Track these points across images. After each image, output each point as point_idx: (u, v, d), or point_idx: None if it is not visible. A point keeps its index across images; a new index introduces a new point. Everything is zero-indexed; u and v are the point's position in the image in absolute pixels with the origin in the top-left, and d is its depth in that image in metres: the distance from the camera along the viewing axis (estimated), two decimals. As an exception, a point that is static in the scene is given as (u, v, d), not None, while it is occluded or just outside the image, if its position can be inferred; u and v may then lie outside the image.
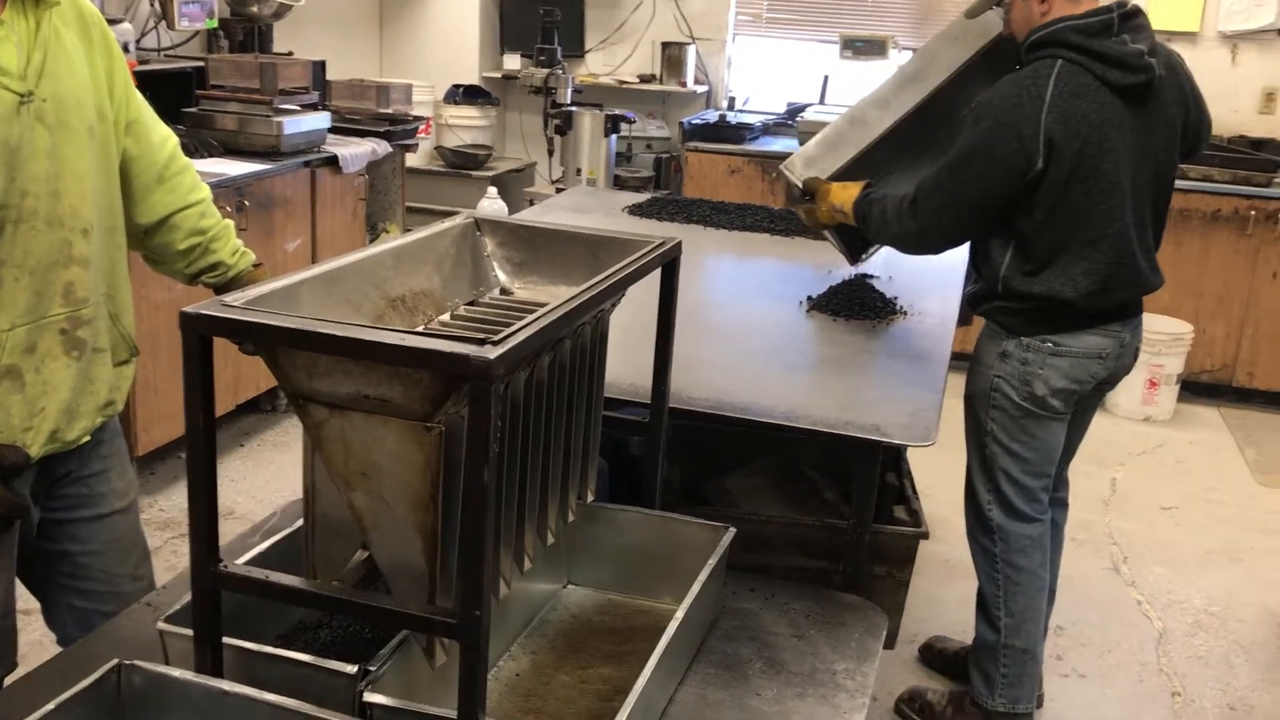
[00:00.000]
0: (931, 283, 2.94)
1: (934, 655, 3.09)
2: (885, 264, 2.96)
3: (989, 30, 2.58)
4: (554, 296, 1.83)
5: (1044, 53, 2.33)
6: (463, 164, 5.98)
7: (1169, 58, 2.42)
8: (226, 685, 1.32)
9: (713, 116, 6.01)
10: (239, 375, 4.08)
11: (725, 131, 5.80)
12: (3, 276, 1.65)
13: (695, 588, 1.66)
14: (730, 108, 6.45)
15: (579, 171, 5.84)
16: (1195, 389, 5.46)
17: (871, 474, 1.95)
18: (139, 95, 1.91)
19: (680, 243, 1.83)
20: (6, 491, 1.69)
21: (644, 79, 6.43)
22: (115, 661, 1.34)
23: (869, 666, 1.76)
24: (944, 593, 3.43)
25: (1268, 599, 3.56)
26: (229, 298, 1.28)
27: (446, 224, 1.80)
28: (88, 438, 1.83)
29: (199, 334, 1.24)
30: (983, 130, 2.29)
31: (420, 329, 1.48)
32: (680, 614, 1.59)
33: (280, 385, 1.31)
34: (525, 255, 1.86)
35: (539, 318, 1.31)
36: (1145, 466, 4.63)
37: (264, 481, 3.88)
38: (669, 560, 1.88)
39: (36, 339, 1.70)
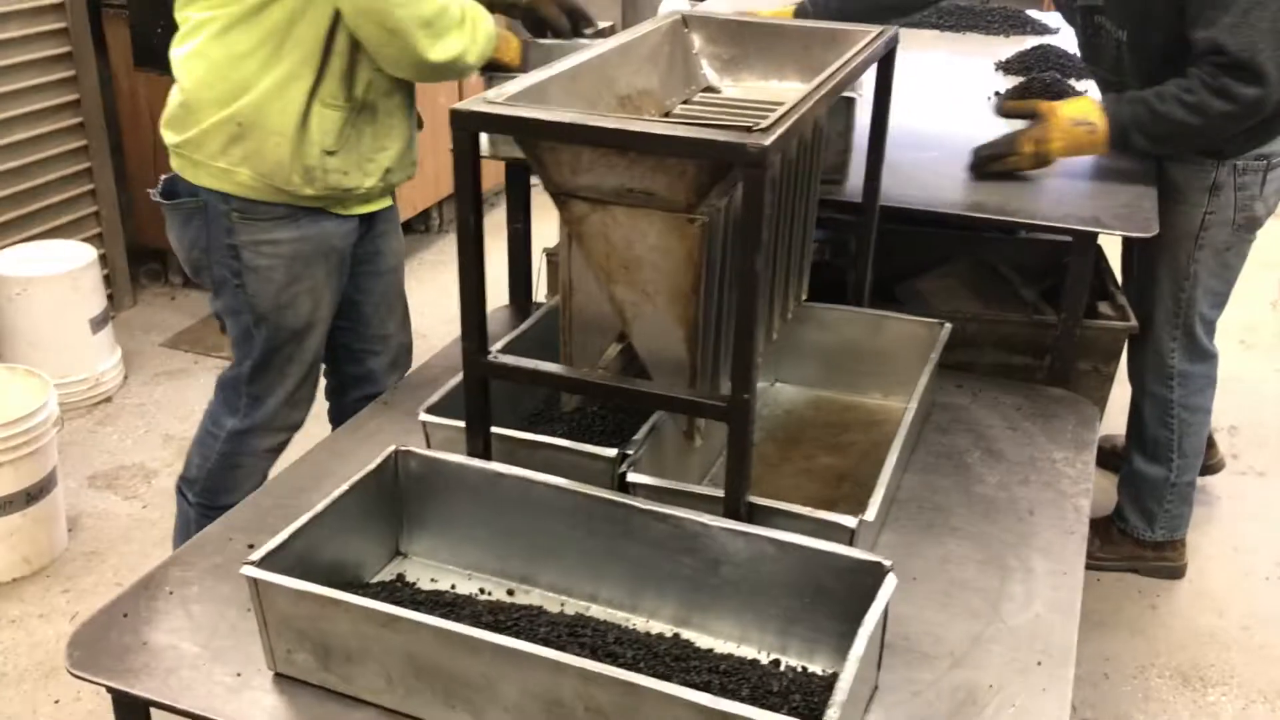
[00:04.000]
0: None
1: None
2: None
3: None
4: (766, 93, 1.82)
5: None
6: None
7: None
8: (501, 468, 1.40)
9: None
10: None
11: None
12: None
13: (923, 380, 1.68)
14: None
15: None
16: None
17: (1086, 268, 1.92)
18: None
19: (898, 32, 1.78)
20: None
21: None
22: (392, 448, 1.43)
23: (1087, 456, 1.78)
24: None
25: None
26: (490, 94, 1.30)
27: (656, 21, 1.77)
28: (389, 200, 2.08)
29: (469, 130, 1.27)
30: None
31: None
32: (913, 405, 1.62)
33: (542, 181, 1.34)
34: (734, 51, 1.84)
35: (796, 106, 1.30)
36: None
37: (431, 299, 3.99)
38: (879, 357, 1.91)
39: (393, 87, 1.93)
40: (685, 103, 1.74)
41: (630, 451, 1.45)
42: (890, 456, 1.47)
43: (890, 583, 1.20)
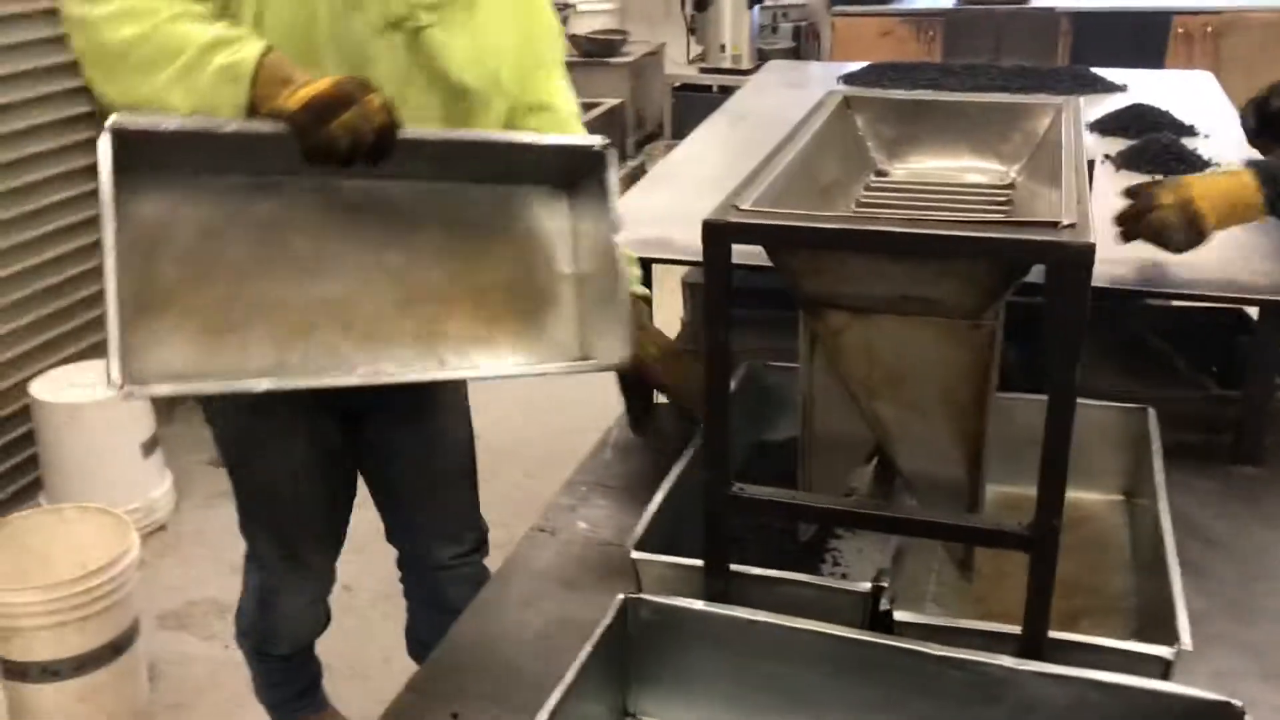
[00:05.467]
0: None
1: None
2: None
3: None
4: (939, 174, 1.70)
5: None
6: (599, 52, 5.76)
7: None
8: (751, 613, 1.24)
9: (857, -23, 5.72)
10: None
11: (873, -9, 5.52)
12: None
13: (1158, 473, 1.54)
14: (865, -33, 6.13)
15: (722, 48, 5.62)
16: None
17: (1275, 333, 1.80)
18: None
19: (1080, 100, 1.67)
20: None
21: (772, -55, 6.12)
22: (621, 598, 1.27)
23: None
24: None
25: None
26: (740, 202, 1.16)
27: (824, 108, 1.66)
28: None
29: (724, 242, 1.13)
30: None
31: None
32: (1163, 504, 1.47)
33: (791, 292, 1.20)
34: (899, 131, 1.72)
35: (1080, 192, 1.17)
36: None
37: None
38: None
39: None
40: (868, 189, 1.61)
41: (884, 584, 1.29)
42: (1172, 568, 1.32)
43: (1250, 729, 1.05)
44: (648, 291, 1.75)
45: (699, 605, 1.26)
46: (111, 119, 1.22)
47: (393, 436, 1.83)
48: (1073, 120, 1.52)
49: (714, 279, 1.14)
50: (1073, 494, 1.76)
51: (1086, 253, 1.02)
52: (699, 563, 1.29)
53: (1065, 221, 1.07)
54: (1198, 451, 1.96)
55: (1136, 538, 1.62)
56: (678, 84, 5.80)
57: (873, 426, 1.23)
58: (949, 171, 1.69)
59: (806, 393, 1.27)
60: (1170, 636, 1.20)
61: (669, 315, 2.14)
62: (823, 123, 1.55)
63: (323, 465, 1.76)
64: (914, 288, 1.13)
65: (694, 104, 5.83)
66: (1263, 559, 1.61)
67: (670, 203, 2.19)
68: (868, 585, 1.28)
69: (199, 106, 1.30)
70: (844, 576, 1.44)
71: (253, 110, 1.31)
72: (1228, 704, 1.08)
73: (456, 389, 1.90)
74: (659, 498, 1.46)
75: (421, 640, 2.04)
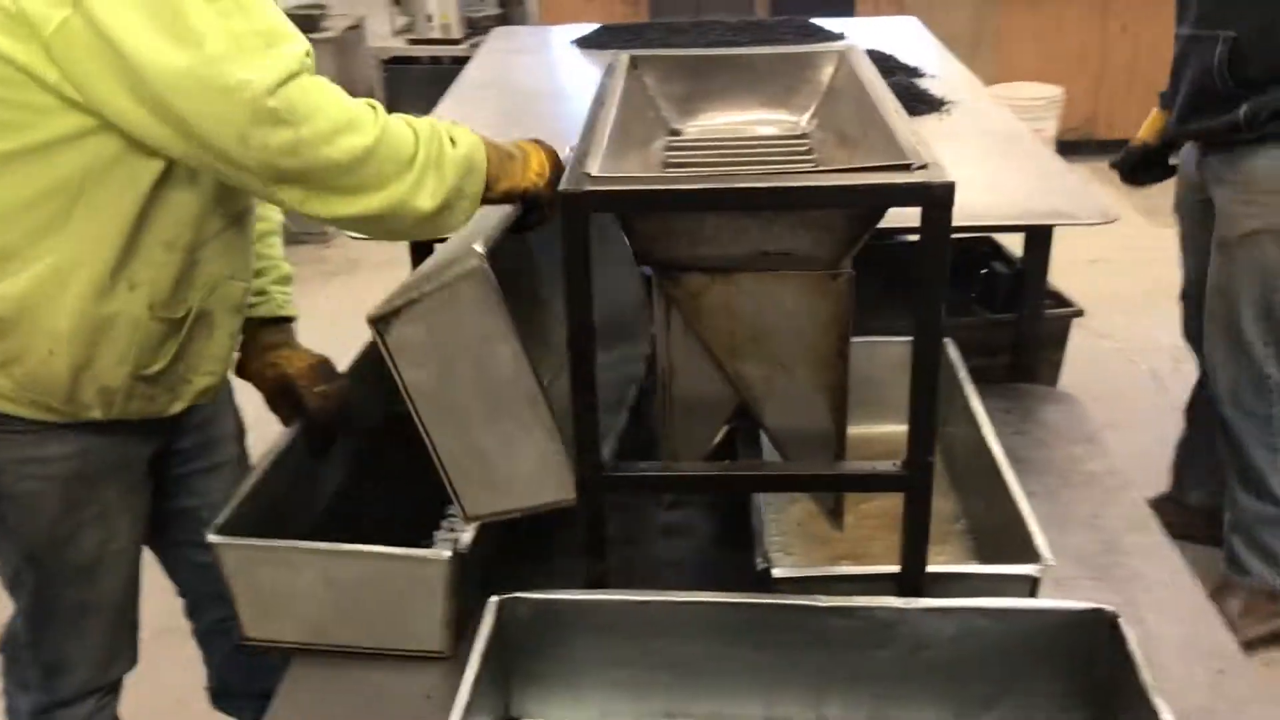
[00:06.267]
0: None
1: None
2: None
3: None
4: (729, 129, 1.69)
5: None
6: (302, 28, 5.42)
7: None
8: (640, 594, 1.19)
9: (558, -60, 5.68)
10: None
11: (576, -46, 5.50)
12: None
13: (973, 402, 1.61)
14: (562, -71, 6.10)
15: (429, 19, 5.45)
16: (1063, 148, 5.71)
17: (1043, 259, 1.93)
18: None
19: (860, 47, 1.70)
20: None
21: (467, -91, 5.97)
22: (496, 600, 1.19)
23: (1099, 445, 1.78)
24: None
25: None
26: (588, 170, 1.10)
27: (616, 70, 1.61)
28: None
29: (584, 212, 1.06)
30: None
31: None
32: (988, 431, 1.54)
33: (642, 259, 1.16)
34: (688, 88, 1.70)
35: (911, 133, 1.18)
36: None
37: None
38: (869, 384, 1.82)
39: (230, 291, 1.48)
40: (669, 149, 1.58)
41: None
42: (1015, 489, 1.38)
43: (1131, 634, 1.11)
44: (295, 312, 1.69)
45: (585, 595, 1.20)
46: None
47: (215, 434, 1.70)
48: (864, 66, 1.55)
49: (574, 251, 1.07)
50: (881, 428, 1.83)
51: (948, 190, 1.03)
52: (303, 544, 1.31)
53: (917, 163, 1.07)
54: (979, 374, 2.08)
55: (951, 463, 1.68)
56: (386, 57, 5.59)
57: (736, 386, 1.20)
58: (741, 125, 1.68)
59: (664, 360, 1.23)
60: (1030, 555, 1.26)
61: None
62: (623, 86, 1.51)
63: (143, 529, 1.58)
64: (772, 243, 1.11)
65: (405, 77, 5.64)
66: (1063, 469, 1.72)
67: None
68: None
69: (443, 203, 1.24)
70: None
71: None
72: (1099, 610, 1.14)
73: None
74: (250, 482, 1.43)
75: (226, 683, 1.87)
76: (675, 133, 1.68)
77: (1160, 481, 2.72)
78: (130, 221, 1.30)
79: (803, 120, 1.64)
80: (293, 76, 1.16)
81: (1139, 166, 2.52)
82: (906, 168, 1.07)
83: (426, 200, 1.23)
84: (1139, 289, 4.16)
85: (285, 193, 1.21)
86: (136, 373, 1.39)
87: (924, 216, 1.05)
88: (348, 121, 1.18)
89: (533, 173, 1.32)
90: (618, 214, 1.11)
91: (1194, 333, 2.50)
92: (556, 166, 1.35)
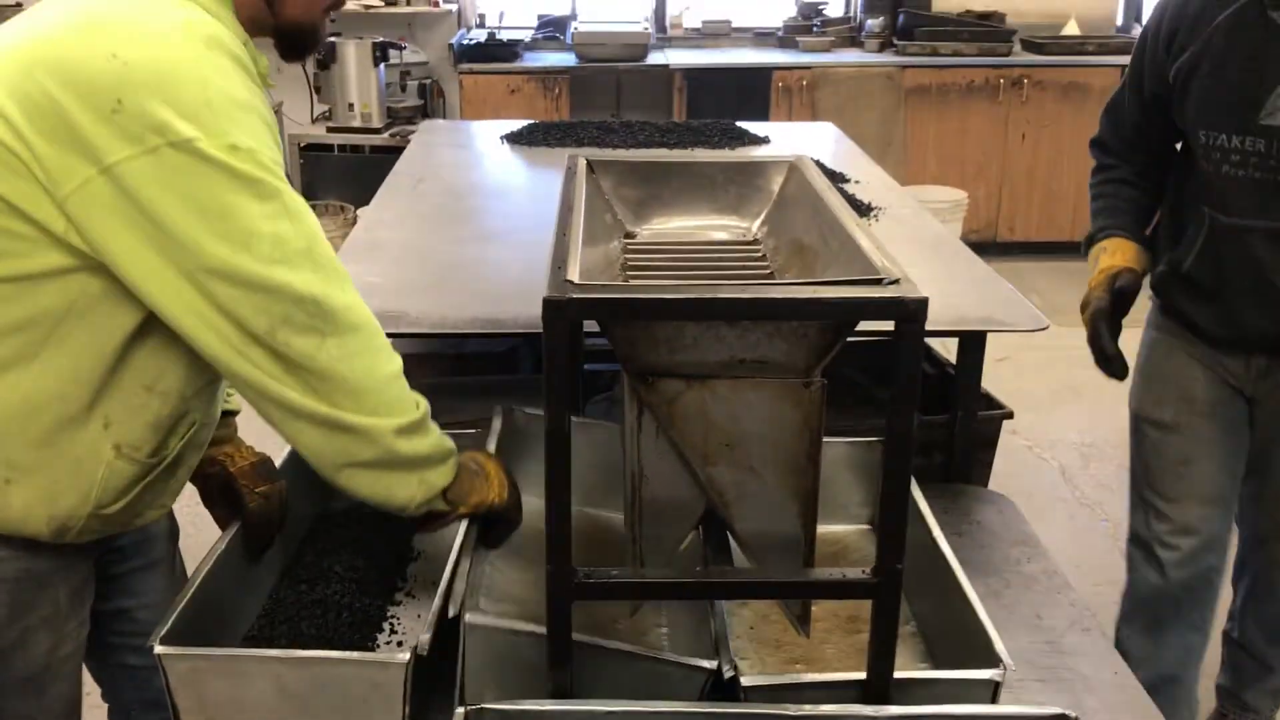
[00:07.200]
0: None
1: None
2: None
3: None
4: (682, 233, 1.72)
5: None
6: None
7: None
8: (606, 704, 1.18)
9: (481, 36, 5.77)
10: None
11: (498, 50, 5.58)
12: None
13: (922, 504, 1.64)
14: (482, 24, 6.21)
15: (350, 107, 5.46)
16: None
17: (978, 363, 1.99)
18: None
19: (809, 157, 1.76)
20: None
21: (388, 1, 6.04)
22: (462, 711, 1.17)
23: (1037, 548, 1.82)
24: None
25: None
26: (568, 276, 1.11)
27: (576, 174, 1.63)
28: None
29: (567, 319, 1.07)
30: None
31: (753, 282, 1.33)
32: (938, 533, 1.56)
33: (624, 364, 1.17)
34: (642, 192, 1.73)
35: (879, 249, 1.23)
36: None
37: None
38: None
39: (203, 434, 1.47)
40: (627, 252, 1.60)
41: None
42: (970, 593, 1.40)
43: (1095, 735, 1.14)
44: (238, 405, 1.65)
45: (552, 705, 1.18)
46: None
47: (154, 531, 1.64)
48: (815, 175, 1.60)
49: (554, 357, 1.08)
50: (825, 528, 1.85)
51: (922, 305, 1.07)
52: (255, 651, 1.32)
53: (889, 278, 1.11)
54: (915, 475, 2.12)
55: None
56: (304, 144, 5.57)
57: (707, 491, 1.21)
58: (694, 229, 1.72)
59: (634, 464, 1.23)
60: (989, 659, 1.28)
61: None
62: (586, 190, 1.53)
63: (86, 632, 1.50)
64: (749, 351, 1.14)
65: (322, 164, 5.63)
66: (1002, 570, 1.76)
67: (386, 274, 2.08)
68: (712, 663, 1.26)
69: (422, 457, 1.34)
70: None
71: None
72: (1063, 715, 1.16)
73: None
74: (192, 587, 1.37)
75: None
76: (630, 235, 1.71)
77: (1084, 576, 2.79)
78: (108, 360, 1.27)
79: (753, 227, 1.68)
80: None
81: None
82: (879, 282, 1.11)
83: (411, 446, 1.31)
84: (1045, 388, 4.30)
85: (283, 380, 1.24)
86: (95, 511, 1.34)
87: (897, 330, 1.08)
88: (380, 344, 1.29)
89: (497, 487, 1.44)
90: (599, 320, 1.12)
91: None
92: (511, 480, 1.48)
